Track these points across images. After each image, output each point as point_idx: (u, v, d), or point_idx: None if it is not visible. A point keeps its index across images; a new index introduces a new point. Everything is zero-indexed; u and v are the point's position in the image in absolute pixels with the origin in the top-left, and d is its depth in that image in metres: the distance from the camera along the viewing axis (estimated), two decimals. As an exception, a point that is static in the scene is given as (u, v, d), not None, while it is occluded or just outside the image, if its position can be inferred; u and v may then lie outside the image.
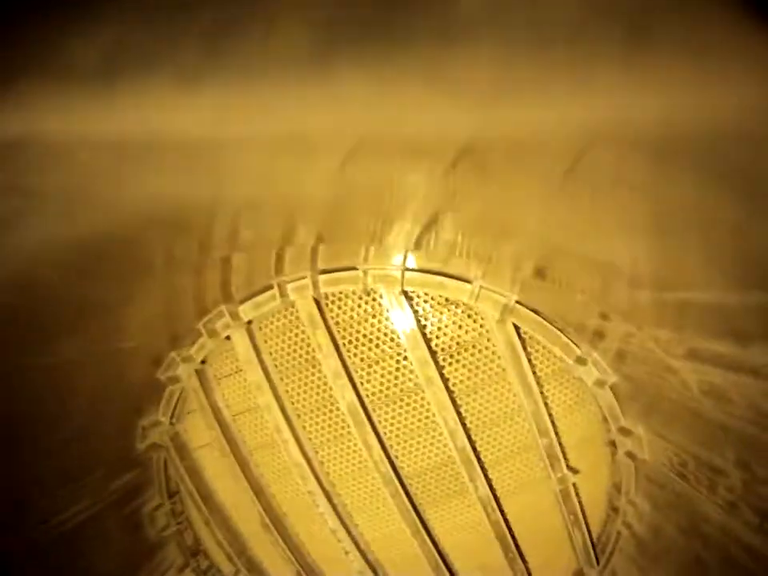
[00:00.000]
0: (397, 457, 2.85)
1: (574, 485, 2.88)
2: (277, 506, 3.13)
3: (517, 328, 2.57)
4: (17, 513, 2.45)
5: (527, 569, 3.18)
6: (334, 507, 2.94)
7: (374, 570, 3.13)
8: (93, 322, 2.14)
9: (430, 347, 2.64)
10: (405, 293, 2.57)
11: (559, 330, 2.57)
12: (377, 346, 2.73)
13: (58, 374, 2.23)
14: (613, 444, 2.84)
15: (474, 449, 2.75)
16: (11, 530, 2.45)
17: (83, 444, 2.72)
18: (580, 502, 3.01)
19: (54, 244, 1.54)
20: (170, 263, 2.22)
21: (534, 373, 2.67)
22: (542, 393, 2.70)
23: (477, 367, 2.71)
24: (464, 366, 2.73)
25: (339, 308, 2.73)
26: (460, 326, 2.69)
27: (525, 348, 2.63)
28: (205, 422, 2.93)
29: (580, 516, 2.96)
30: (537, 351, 2.72)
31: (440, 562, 3.03)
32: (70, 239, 1.60)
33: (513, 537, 3.03)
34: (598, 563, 3.20)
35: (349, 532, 2.99)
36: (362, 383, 2.75)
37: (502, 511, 2.95)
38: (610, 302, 2.11)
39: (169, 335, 2.68)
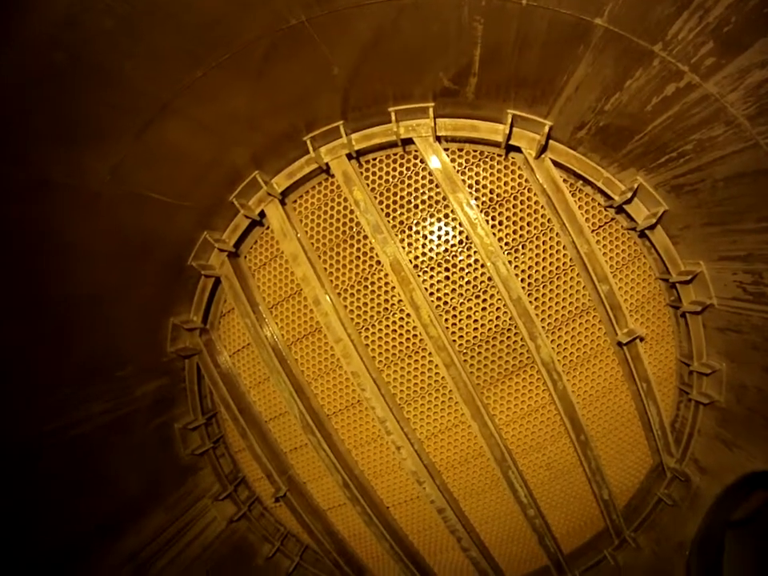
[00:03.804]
0: (447, 328, 2.61)
1: (640, 343, 2.59)
2: (319, 406, 2.84)
3: (555, 164, 2.43)
4: (38, 399, 2.24)
5: (598, 461, 2.79)
6: (383, 396, 2.65)
7: (430, 472, 2.75)
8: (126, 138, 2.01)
9: (470, 200, 2.50)
10: (439, 139, 2.45)
11: (597, 164, 2.42)
12: (416, 206, 2.60)
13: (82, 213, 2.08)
14: (677, 300, 2.58)
15: (530, 302, 2.51)
16: (34, 420, 2.23)
17: (109, 333, 2.55)
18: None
19: None
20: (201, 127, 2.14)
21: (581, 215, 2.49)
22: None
23: (521, 219, 2.55)
24: (507, 219, 2.56)
25: (374, 173, 2.63)
26: (498, 178, 2.56)
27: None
28: (239, 313, 2.73)
29: (653, 383, 2.64)
30: (579, 200, 2.56)
31: (505, 453, 2.68)
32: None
33: (582, 416, 2.69)
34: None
35: (399, 423, 2.68)
36: (403, 247, 2.56)
37: (567, 389, 2.63)
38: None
39: (201, 205, 2.53)
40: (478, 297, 2.60)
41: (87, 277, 2.33)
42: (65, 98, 1.72)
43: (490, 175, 2.57)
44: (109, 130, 1.97)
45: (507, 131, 2.38)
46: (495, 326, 2.61)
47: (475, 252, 2.52)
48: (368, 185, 2.63)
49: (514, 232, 2.57)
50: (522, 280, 2.58)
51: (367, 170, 2.65)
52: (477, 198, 2.56)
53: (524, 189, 2.57)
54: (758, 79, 1.50)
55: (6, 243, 1.94)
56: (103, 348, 2.58)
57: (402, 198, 2.60)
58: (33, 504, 2.25)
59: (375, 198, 2.61)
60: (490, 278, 2.53)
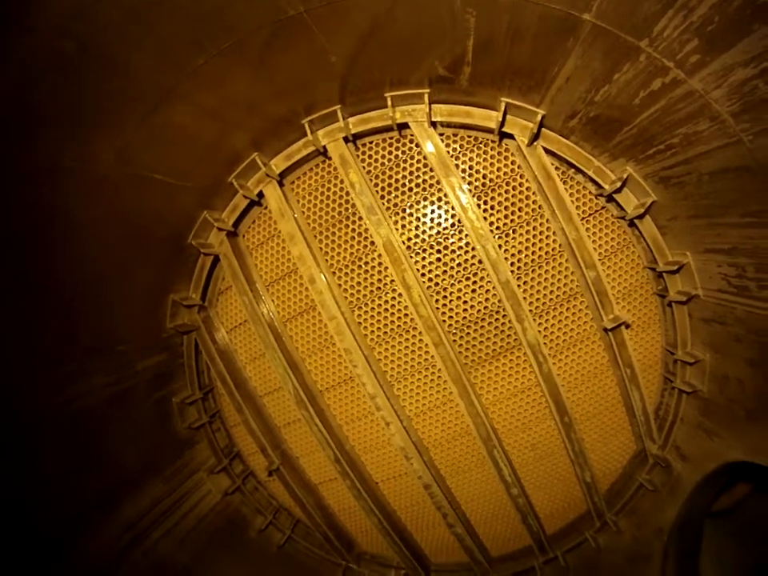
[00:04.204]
0: (438, 308, 2.71)
1: (626, 330, 2.66)
2: (312, 382, 2.95)
3: (547, 152, 2.49)
4: (45, 373, 2.34)
5: (581, 444, 2.89)
6: (374, 373, 2.75)
7: (418, 448, 2.86)
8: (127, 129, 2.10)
9: (463, 184, 2.58)
10: (434, 125, 2.53)
11: (588, 153, 2.48)
12: (410, 189, 2.68)
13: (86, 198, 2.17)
14: (664, 290, 2.64)
15: (518, 286, 2.59)
16: (40, 394, 2.33)
17: (113, 309, 2.66)
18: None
19: None
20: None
21: (572, 203, 2.56)
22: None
23: (513, 204, 2.63)
24: (499, 204, 2.64)
25: (370, 157, 2.72)
26: (491, 164, 2.64)
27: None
28: (237, 290, 2.84)
29: (637, 369, 2.73)
30: (570, 188, 2.63)
31: (491, 432, 2.78)
32: None
33: (567, 398, 2.78)
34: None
35: (389, 400, 2.79)
36: (396, 229, 2.65)
37: (552, 371, 2.72)
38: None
39: (202, 186, 2.62)
40: (468, 279, 2.69)
41: (93, 255, 2.44)
42: (73, 86, 1.82)
43: (484, 161, 2.65)
44: (115, 116, 2.07)
45: (500, 118, 2.45)
46: (484, 307, 2.71)
47: (466, 235, 2.60)
48: (364, 167, 2.71)
49: (505, 217, 2.65)
50: (512, 264, 2.67)
51: (363, 153, 2.73)
52: (470, 183, 2.64)
53: (516, 175, 2.64)
54: (742, 78, 1.56)
55: (19, 224, 2.05)
56: (107, 323, 2.69)
57: (396, 180, 2.69)
58: (37, 475, 2.37)
59: (371, 180, 2.70)
60: (480, 261, 2.61)
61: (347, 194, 2.66)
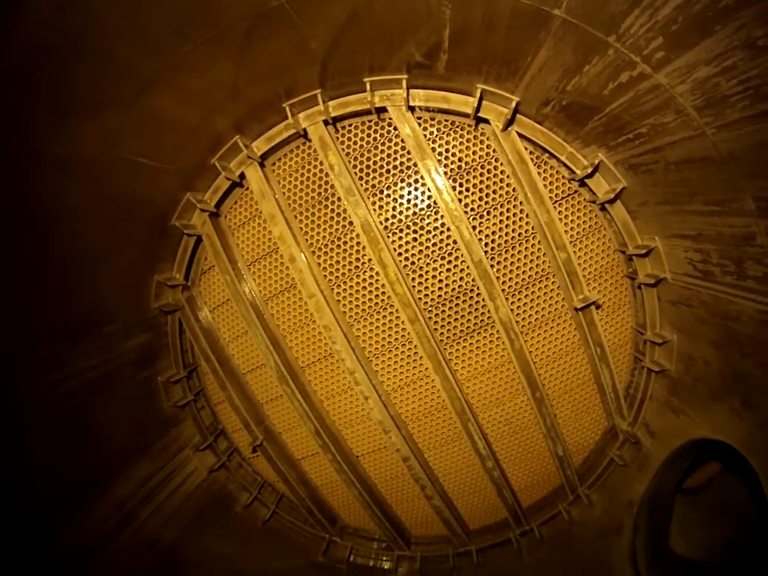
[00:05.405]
0: (414, 286, 2.86)
1: (597, 310, 2.81)
2: (293, 358, 3.10)
3: (522, 137, 2.62)
4: (33, 356, 2.44)
5: (553, 419, 3.05)
6: (353, 349, 2.90)
7: (396, 422, 3.03)
8: (113, 116, 2.20)
9: (439, 167, 2.70)
10: (412, 109, 2.64)
11: (562, 139, 2.60)
12: (387, 171, 2.81)
13: (69, 177, 2.26)
14: (633, 273, 2.79)
15: (492, 266, 2.74)
16: (28, 377, 2.43)
17: (96, 292, 2.76)
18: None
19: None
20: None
21: (545, 186, 2.69)
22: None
23: (487, 187, 2.76)
24: (474, 187, 2.78)
25: (349, 139, 2.83)
26: (467, 147, 2.76)
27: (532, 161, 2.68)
28: (219, 270, 2.97)
29: (607, 348, 2.89)
30: (544, 172, 2.76)
31: (465, 406, 2.94)
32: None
33: (539, 375, 2.94)
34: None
35: (367, 374, 2.96)
36: (374, 209, 2.78)
37: (524, 348, 2.87)
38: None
39: (185, 169, 2.73)
40: (443, 258, 2.84)
41: (80, 238, 2.54)
42: (61, 75, 1.91)
43: (460, 144, 2.78)
44: (102, 102, 2.17)
45: (476, 104, 2.58)
46: (458, 286, 2.86)
47: (442, 216, 2.75)
48: (343, 150, 2.84)
49: (480, 199, 2.79)
50: (486, 244, 2.82)
51: (343, 135, 2.85)
52: (446, 166, 2.78)
53: (491, 159, 2.78)
54: (704, 75, 1.68)
55: (7, 207, 2.13)
56: (94, 304, 2.81)
57: (374, 162, 2.82)
58: (27, 456, 2.47)
59: (350, 162, 2.83)
60: (454, 241, 2.76)
61: (326, 175, 2.78)
